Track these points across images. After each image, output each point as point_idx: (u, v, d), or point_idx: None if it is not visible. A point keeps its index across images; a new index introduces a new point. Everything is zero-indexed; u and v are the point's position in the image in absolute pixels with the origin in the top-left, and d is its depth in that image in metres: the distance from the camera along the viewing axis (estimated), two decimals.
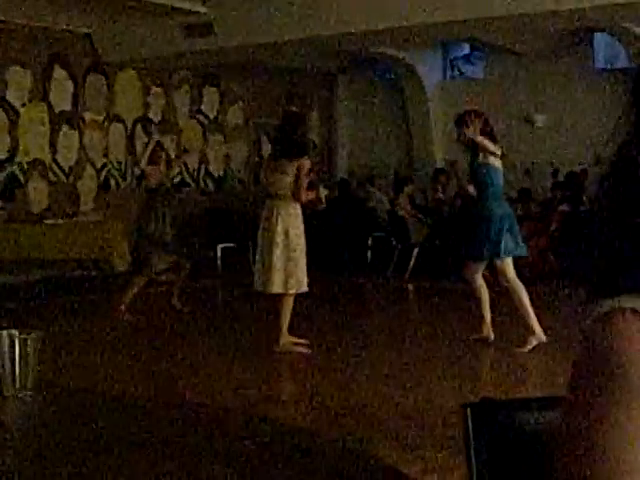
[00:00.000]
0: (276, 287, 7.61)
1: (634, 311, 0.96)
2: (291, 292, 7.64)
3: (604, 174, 1.08)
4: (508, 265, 7.93)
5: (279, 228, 7.60)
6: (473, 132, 8.02)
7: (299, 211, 7.72)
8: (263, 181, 8.18)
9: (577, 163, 14.74)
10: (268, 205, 7.77)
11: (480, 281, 8.12)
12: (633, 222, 1.01)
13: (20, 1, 11.52)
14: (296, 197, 7.64)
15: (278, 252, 7.56)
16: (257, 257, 7.87)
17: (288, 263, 7.58)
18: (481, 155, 8.10)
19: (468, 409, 1.32)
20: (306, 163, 7.73)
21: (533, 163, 15.55)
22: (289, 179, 7.62)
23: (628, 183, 1.02)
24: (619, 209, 1.04)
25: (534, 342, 7.77)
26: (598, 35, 15.11)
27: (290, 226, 7.63)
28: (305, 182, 7.69)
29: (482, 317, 8.15)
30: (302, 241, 7.68)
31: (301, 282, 7.66)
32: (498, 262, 7.95)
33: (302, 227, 7.71)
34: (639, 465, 0.94)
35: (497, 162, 8.17)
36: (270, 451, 1.81)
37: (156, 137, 10.96)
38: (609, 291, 1.00)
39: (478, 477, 1.29)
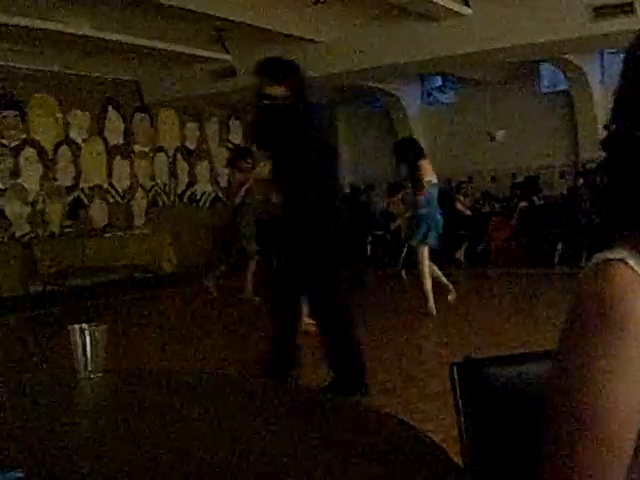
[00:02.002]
0: None
1: (622, 261, 0.93)
2: None
3: (603, 160, 1.01)
4: (422, 252, 8.18)
5: None
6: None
7: None
8: None
9: (531, 168, 14.75)
10: None
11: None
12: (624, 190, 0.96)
13: (80, 54, 11.52)
14: None
15: None
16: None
17: None
18: None
19: (455, 367, 1.29)
20: None
21: (495, 171, 15.54)
22: None
23: (626, 163, 0.97)
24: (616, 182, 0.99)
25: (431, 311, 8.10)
26: (543, 65, 15.08)
27: None
28: None
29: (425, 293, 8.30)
30: None
31: None
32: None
33: None
34: (624, 394, 0.91)
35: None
36: (296, 410, 1.80)
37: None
38: (602, 246, 0.97)
39: (466, 425, 1.27)
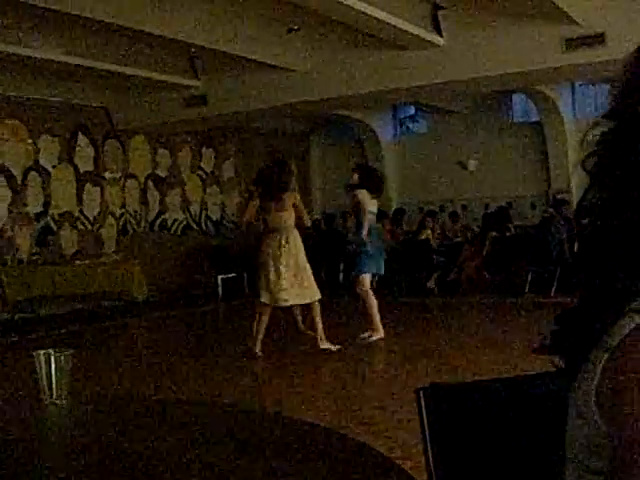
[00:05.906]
0: (309, 298, 7.60)
1: None
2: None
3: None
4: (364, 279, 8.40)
5: (288, 253, 7.46)
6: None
7: (299, 237, 7.62)
8: (267, 219, 7.64)
9: (502, 198, 14.91)
10: (275, 237, 7.51)
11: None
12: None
13: (49, 80, 11.49)
14: (304, 221, 7.66)
15: (292, 272, 7.46)
16: (281, 279, 7.48)
17: (301, 279, 7.52)
18: None
19: (421, 393, 1.30)
20: (296, 195, 7.74)
21: (467, 200, 15.68)
22: (289, 212, 7.55)
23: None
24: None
25: (377, 336, 8.26)
26: (515, 95, 15.29)
27: (297, 251, 7.53)
28: (304, 209, 7.75)
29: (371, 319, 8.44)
30: (306, 261, 7.61)
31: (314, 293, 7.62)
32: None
33: (303, 249, 7.60)
34: None
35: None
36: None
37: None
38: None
39: (432, 451, 1.27)
